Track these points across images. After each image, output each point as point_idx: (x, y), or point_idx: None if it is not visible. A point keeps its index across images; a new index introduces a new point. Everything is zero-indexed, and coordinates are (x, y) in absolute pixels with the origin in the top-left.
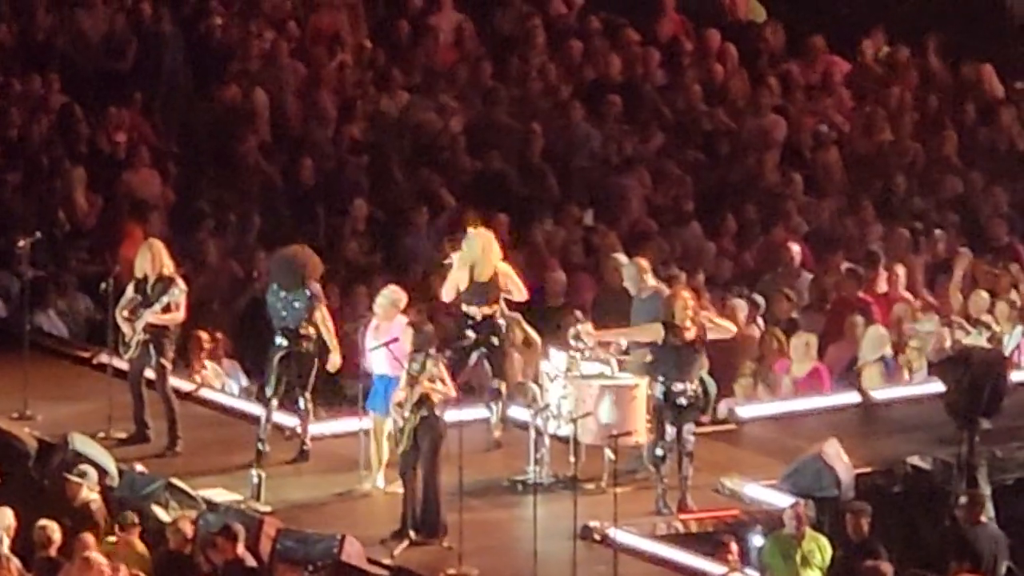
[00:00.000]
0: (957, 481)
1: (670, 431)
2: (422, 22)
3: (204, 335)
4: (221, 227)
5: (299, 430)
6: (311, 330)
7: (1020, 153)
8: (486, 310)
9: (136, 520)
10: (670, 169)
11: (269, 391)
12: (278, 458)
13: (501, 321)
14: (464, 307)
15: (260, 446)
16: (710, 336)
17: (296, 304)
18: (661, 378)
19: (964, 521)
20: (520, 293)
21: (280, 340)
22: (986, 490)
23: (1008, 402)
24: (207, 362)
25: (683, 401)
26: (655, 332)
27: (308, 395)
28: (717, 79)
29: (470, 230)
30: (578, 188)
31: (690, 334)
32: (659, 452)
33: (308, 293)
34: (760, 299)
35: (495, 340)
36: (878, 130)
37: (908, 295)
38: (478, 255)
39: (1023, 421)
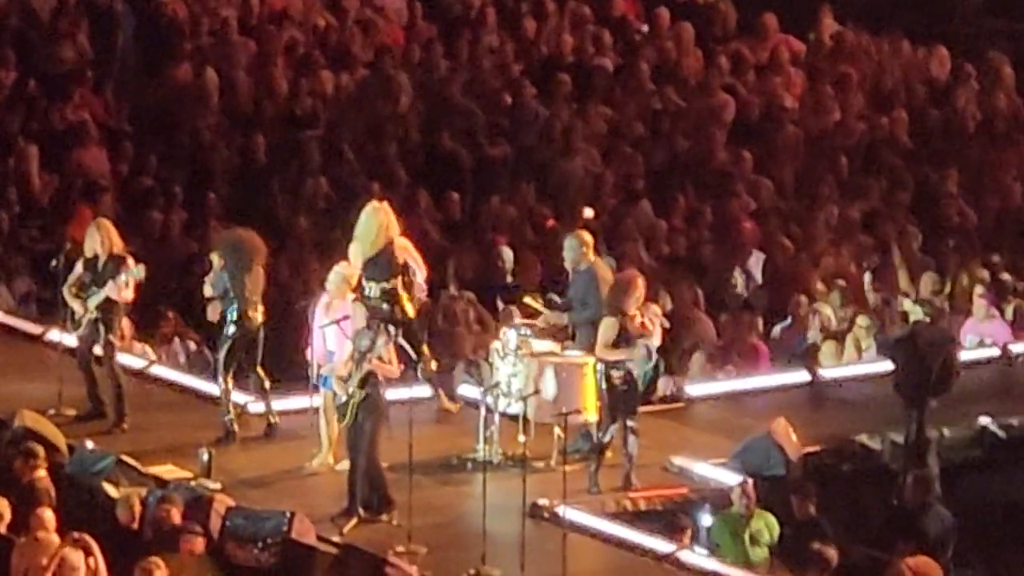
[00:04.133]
0: (905, 461)
1: (612, 415)
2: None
3: (171, 314)
4: (172, 205)
5: (251, 408)
6: (257, 310)
7: (972, 134)
8: (384, 285)
9: (199, 529)
10: (620, 147)
11: (222, 370)
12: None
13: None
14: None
15: (229, 424)
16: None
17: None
18: (607, 363)
19: (911, 502)
20: (421, 270)
21: (229, 319)
22: (935, 469)
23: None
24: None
25: (624, 387)
26: (609, 327)
27: (260, 371)
28: (669, 58)
29: (369, 205)
30: (528, 166)
31: (635, 323)
32: (602, 435)
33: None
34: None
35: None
36: (827, 110)
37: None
38: (372, 230)
39: (971, 401)
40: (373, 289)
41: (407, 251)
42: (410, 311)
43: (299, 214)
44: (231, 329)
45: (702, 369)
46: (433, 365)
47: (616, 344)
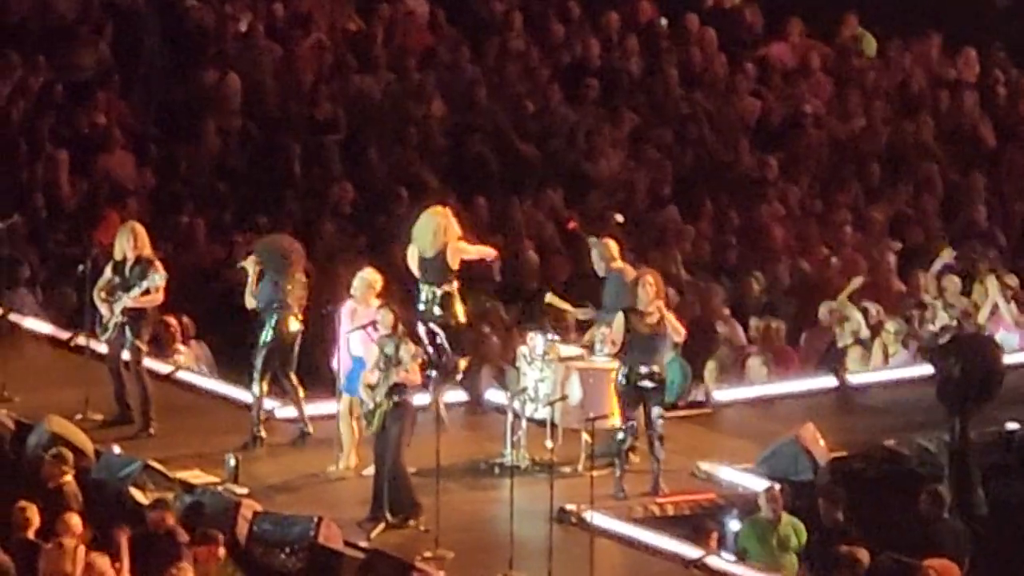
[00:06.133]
0: (948, 467)
1: (635, 415)
2: (399, 4)
3: (172, 320)
4: (198, 210)
5: (279, 413)
6: (297, 318)
7: (998, 138)
8: (436, 289)
9: (218, 536)
10: (647, 152)
11: (258, 377)
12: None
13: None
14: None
15: (256, 431)
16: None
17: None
18: (624, 362)
19: (926, 516)
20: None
21: (268, 326)
22: (977, 475)
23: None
24: (180, 345)
25: (647, 384)
26: (618, 323)
27: (294, 379)
28: (695, 63)
29: (428, 208)
30: (555, 171)
31: (652, 319)
32: (620, 437)
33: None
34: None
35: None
36: (853, 115)
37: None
38: (428, 233)
39: (999, 406)
40: (426, 292)
41: (465, 254)
42: (462, 316)
43: (324, 219)
44: (268, 336)
45: (757, 374)
46: (462, 365)
47: (626, 341)
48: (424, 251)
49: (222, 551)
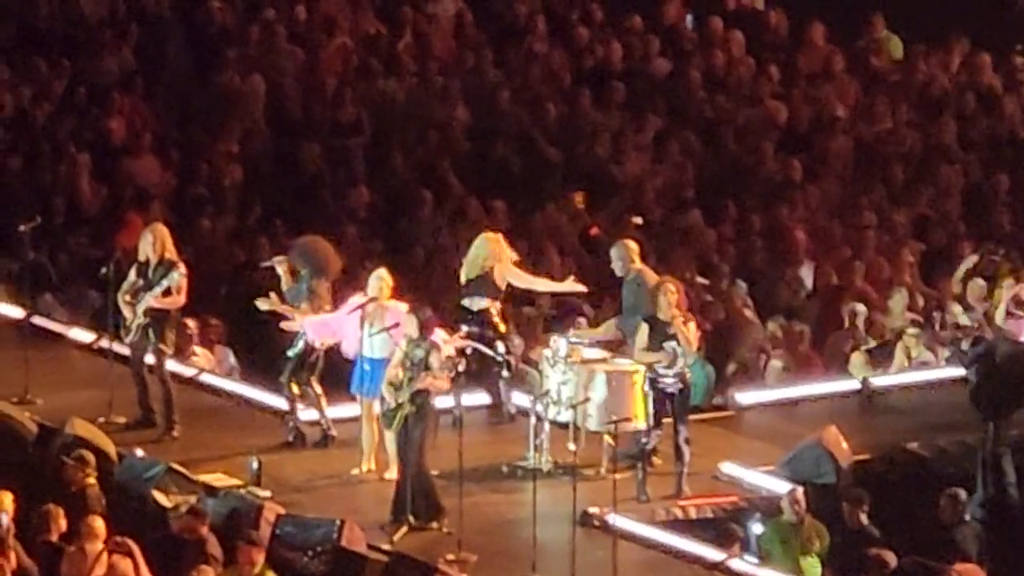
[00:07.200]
0: (983, 471)
1: (660, 419)
2: (423, 8)
3: (190, 322)
4: (221, 213)
5: (306, 417)
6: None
7: (1021, 141)
8: (477, 305)
9: (256, 539)
10: (671, 155)
11: (289, 381)
12: (277, 443)
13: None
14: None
15: (294, 430)
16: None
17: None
18: (652, 369)
19: (947, 520)
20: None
21: (300, 333)
22: (1011, 478)
23: None
24: (197, 348)
25: (672, 390)
26: (642, 332)
27: (317, 386)
28: (719, 66)
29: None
30: (578, 174)
31: (671, 328)
32: (644, 440)
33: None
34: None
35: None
36: (877, 118)
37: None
38: (474, 257)
39: None
40: (470, 302)
41: (516, 277)
42: (502, 328)
43: (347, 222)
44: (300, 343)
45: (778, 377)
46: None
47: (650, 347)
48: (469, 273)
49: (261, 556)
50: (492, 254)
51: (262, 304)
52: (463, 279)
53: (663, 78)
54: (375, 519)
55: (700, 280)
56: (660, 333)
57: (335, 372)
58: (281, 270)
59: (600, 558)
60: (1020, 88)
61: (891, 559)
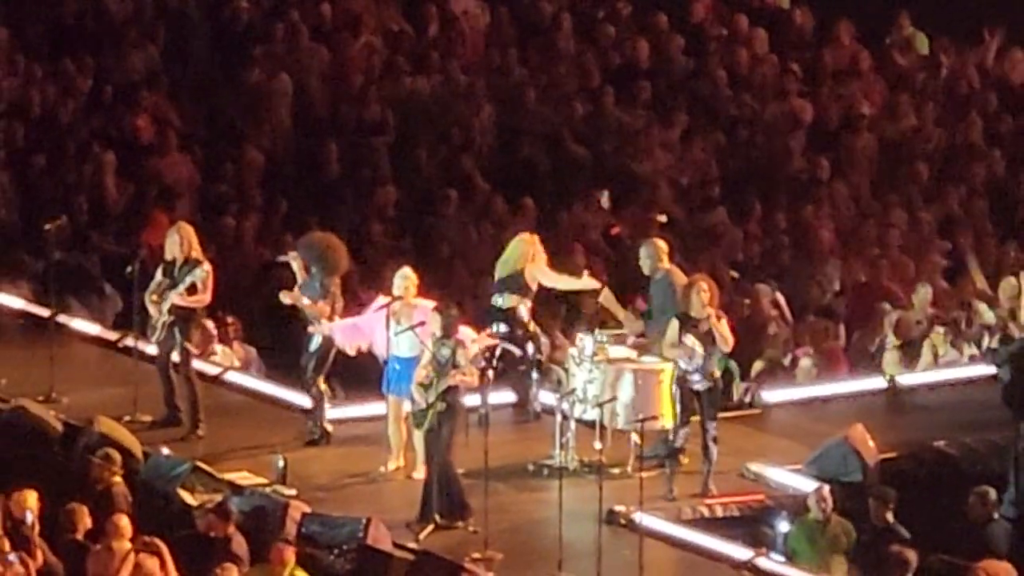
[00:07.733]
0: (1015, 472)
1: (688, 417)
2: (448, 7)
3: (209, 322)
4: (246, 211)
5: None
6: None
7: None
8: (504, 303)
9: (290, 538)
10: (696, 154)
11: (312, 378)
12: (302, 441)
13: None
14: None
15: (316, 429)
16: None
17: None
18: (678, 366)
19: (977, 518)
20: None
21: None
22: None
23: None
24: (218, 347)
25: (700, 387)
26: (672, 330)
27: (324, 384)
28: (743, 64)
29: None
30: (604, 173)
31: (704, 326)
32: (672, 438)
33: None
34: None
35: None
36: (903, 116)
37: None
38: (508, 257)
39: None
40: (500, 300)
41: (543, 274)
42: (531, 328)
43: (373, 220)
44: (317, 341)
45: (807, 375)
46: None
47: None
48: (501, 272)
49: (293, 555)
50: (525, 255)
51: (284, 297)
52: (496, 278)
53: (689, 76)
54: (401, 517)
55: (732, 273)
56: (690, 330)
57: (360, 372)
58: (296, 266)
59: (626, 557)
60: None
61: (912, 557)
